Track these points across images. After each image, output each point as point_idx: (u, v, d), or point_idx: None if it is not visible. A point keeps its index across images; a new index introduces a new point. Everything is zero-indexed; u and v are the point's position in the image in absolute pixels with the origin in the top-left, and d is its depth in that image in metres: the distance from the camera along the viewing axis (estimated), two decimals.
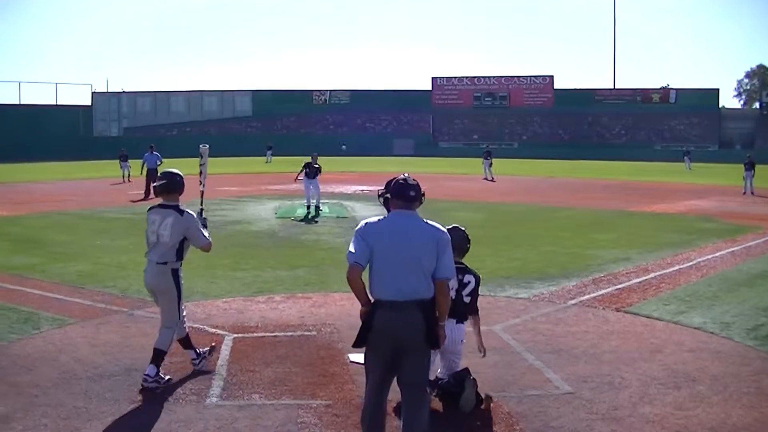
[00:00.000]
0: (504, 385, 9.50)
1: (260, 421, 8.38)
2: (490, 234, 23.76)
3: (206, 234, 10.14)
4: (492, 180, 53.40)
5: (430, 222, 7.06)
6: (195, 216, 10.06)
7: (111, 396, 9.18)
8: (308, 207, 31.94)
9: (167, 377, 9.80)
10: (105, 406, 8.86)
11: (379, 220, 7.07)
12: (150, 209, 10.07)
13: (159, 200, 10.22)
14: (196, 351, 10.25)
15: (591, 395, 9.10)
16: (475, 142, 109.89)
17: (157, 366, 9.70)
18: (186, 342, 10.23)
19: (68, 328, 12.32)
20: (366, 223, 7.06)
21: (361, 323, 6.96)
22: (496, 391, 9.20)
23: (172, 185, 10.12)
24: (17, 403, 8.90)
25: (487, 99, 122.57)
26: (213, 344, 10.58)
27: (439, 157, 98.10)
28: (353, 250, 6.89)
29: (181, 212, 9.90)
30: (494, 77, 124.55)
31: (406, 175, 7.22)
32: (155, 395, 9.24)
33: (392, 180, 7.22)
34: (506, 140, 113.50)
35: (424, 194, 7.19)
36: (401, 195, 7.04)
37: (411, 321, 6.74)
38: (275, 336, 11.79)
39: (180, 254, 9.93)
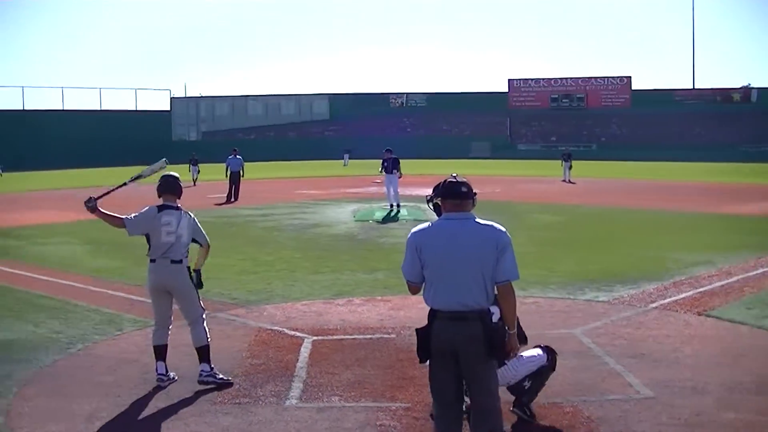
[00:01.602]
0: (584, 389, 9.40)
1: (339, 424, 8.40)
2: (570, 236, 23.63)
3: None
4: (571, 182, 52.94)
5: (486, 222, 6.74)
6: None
7: (192, 397, 9.33)
8: (391, 206, 32.28)
9: (222, 377, 9.92)
10: (186, 406, 9.01)
11: (428, 226, 6.79)
12: (160, 210, 10.18)
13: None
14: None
15: (673, 400, 8.96)
16: (552, 144, 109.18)
17: (209, 362, 9.95)
18: (161, 352, 10.20)
19: (150, 330, 12.38)
20: (415, 232, 6.80)
21: (416, 336, 6.75)
22: (576, 396, 9.13)
23: (171, 186, 10.43)
24: (101, 403, 9.09)
25: (564, 100, 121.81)
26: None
27: (517, 159, 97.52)
28: (405, 267, 6.78)
29: (180, 209, 10.26)
30: (571, 78, 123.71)
31: (454, 174, 6.97)
32: (235, 396, 9.33)
33: (440, 183, 7.01)
34: (584, 142, 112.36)
35: (476, 194, 6.90)
36: (452, 193, 6.73)
37: (470, 332, 6.48)
38: (354, 338, 11.83)
39: (187, 251, 10.23)
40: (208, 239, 10.38)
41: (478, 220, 6.74)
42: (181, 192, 10.52)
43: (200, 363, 9.93)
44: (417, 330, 6.77)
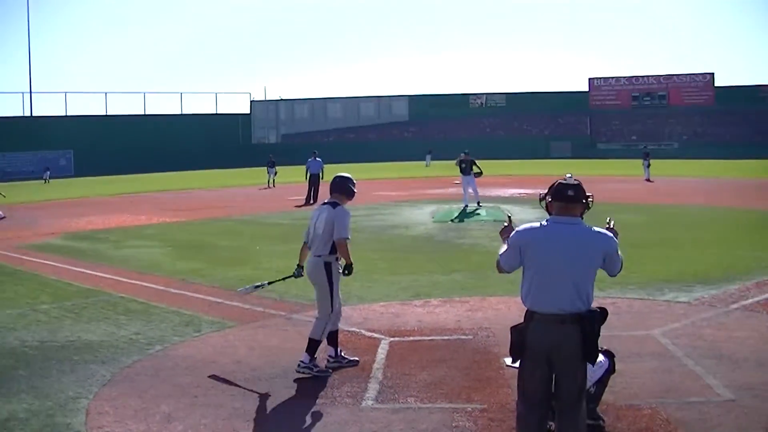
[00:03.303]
0: (662, 391, 9.26)
1: (415, 425, 8.38)
2: (651, 236, 23.30)
3: (349, 234, 10.39)
4: (649, 181, 52.35)
5: (595, 228, 6.72)
6: (348, 211, 10.46)
7: (268, 397, 9.41)
8: (465, 207, 32.53)
9: (323, 367, 10.31)
10: (262, 407, 9.09)
11: (536, 226, 6.76)
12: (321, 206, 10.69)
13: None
14: (336, 350, 10.61)
15: (754, 403, 8.77)
16: (633, 143, 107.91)
17: (311, 354, 10.22)
18: (332, 338, 10.66)
19: (228, 332, 12.64)
20: (520, 231, 6.80)
21: (510, 335, 6.76)
22: (655, 398, 8.99)
23: (338, 186, 10.64)
24: (180, 403, 9.21)
25: (645, 99, 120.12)
26: (358, 360, 10.70)
27: (598, 159, 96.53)
28: (501, 260, 6.88)
29: (335, 206, 10.41)
30: (652, 76, 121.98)
31: (569, 175, 6.91)
32: (312, 397, 9.39)
33: (554, 183, 6.89)
34: (666, 140, 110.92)
35: (591, 198, 6.85)
36: (560, 195, 6.67)
37: (568, 335, 6.47)
38: (431, 340, 11.80)
39: (335, 248, 10.32)
40: (344, 234, 10.25)
41: (587, 225, 6.74)
42: (346, 191, 10.68)
43: (305, 351, 10.29)
44: (512, 328, 6.78)
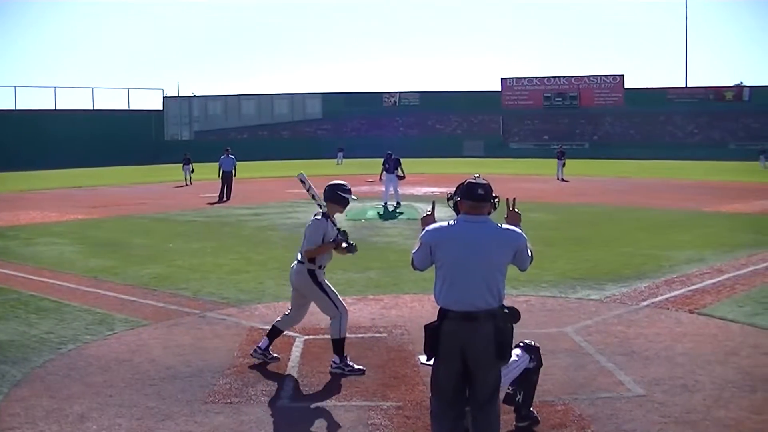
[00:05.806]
0: (575, 387, 9.41)
1: (331, 423, 8.41)
2: (563, 235, 23.62)
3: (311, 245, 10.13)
4: (563, 180, 53.00)
5: (504, 226, 6.83)
6: (320, 222, 10.21)
7: (183, 397, 9.28)
8: (384, 205, 32.64)
9: (354, 366, 10.16)
10: (178, 406, 8.97)
11: (445, 226, 6.82)
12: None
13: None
14: (269, 345, 10.67)
15: (664, 398, 8.97)
16: (545, 142, 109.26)
17: (340, 354, 10.16)
18: (275, 333, 10.74)
19: (141, 330, 12.49)
20: (430, 230, 6.86)
21: (424, 333, 6.79)
22: (568, 394, 9.13)
23: (326, 194, 10.50)
24: (93, 403, 9.06)
25: (557, 99, 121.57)
26: (278, 357, 10.73)
27: (510, 158, 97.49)
28: (415, 255, 6.91)
29: (315, 215, 10.32)
30: (564, 77, 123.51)
31: (477, 174, 6.98)
32: (227, 395, 9.33)
33: (462, 182, 6.99)
34: (577, 140, 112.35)
35: (497, 198, 6.96)
36: (470, 194, 6.74)
37: (481, 333, 6.53)
38: (346, 337, 11.78)
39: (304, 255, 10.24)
40: (307, 245, 10.10)
41: (495, 223, 6.80)
42: (332, 198, 10.48)
43: (334, 353, 10.28)
44: (426, 327, 6.81)
